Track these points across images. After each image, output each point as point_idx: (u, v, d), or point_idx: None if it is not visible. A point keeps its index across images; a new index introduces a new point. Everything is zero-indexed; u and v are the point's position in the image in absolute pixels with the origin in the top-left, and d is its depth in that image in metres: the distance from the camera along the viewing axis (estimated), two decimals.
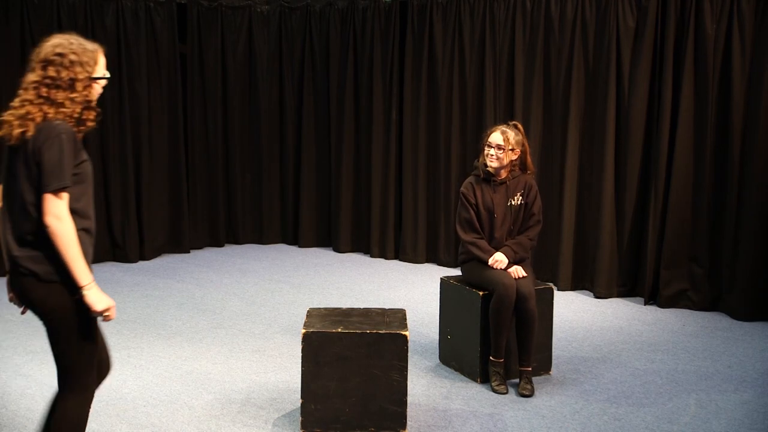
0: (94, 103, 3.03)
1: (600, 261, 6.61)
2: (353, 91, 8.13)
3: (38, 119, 2.90)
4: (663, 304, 6.37)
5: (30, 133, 2.88)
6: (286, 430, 4.06)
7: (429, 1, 7.51)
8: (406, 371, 3.98)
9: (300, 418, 4.01)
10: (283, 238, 8.65)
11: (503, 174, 4.82)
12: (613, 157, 6.58)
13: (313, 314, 4.21)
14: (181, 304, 6.28)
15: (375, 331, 3.96)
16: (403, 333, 3.96)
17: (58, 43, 2.96)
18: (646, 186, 6.50)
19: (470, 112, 7.41)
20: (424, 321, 5.89)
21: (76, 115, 2.96)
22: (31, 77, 2.94)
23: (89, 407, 3.08)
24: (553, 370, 4.94)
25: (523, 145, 4.81)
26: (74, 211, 2.99)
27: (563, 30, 6.77)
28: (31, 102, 2.91)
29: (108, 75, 3.10)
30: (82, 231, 3.04)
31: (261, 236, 8.58)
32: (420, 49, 7.62)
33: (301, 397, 3.99)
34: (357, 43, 8.06)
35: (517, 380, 4.70)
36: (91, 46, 3.02)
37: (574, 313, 6.20)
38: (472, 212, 4.79)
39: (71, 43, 2.97)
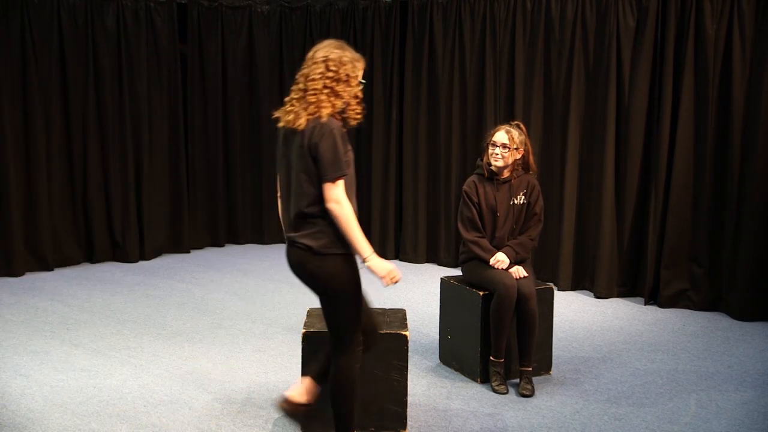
0: (360, 100, 3.52)
1: (600, 261, 6.61)
2: None
3: (324, 107, 3.37)
4: (663, 304, 6.37)
5: (317, 117, 3.34)
6: (286, 430, 4.07)
7: (429, 1, 7.51)
8: (407, 371, 3.98)
9: None
10: (284, 237, 8.63)
11: (506, 173, 4.82)
12: (613, 157, 6.58)
13: (313, 314, 4.22)
14: (182, 304, 6.28)
15: None
16: (403, 333, 3.96)
17: (335, 45, 3.49)
18: (646, 186, 6.51)
19: (470, 112, 7.41)
20: (424, 321, 5.89)
21: (349, 107, 3.49)
22: (316, 70, 3.40)
23: (358, 363, 3.52)
24: (553, 370, 4.95)
25: (525, 144, 4.82)
26: None
27: (563, 30, 6.77)
28: (319, 91, 3.39)
29: (365, 81, 3.59)
30: None
31: (261, 236, 8.58)
32: (420, 49, 7.62)
33: None
34: (357, 43, 8.06)
35: (517, 380, 4.70)
36: (353, 52, 3.56)
37: (574, 313, 6.20)
38: (474, 211, 4.80)
39: (344, 47, 3.51)
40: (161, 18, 7.79)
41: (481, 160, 4.90)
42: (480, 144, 4.98)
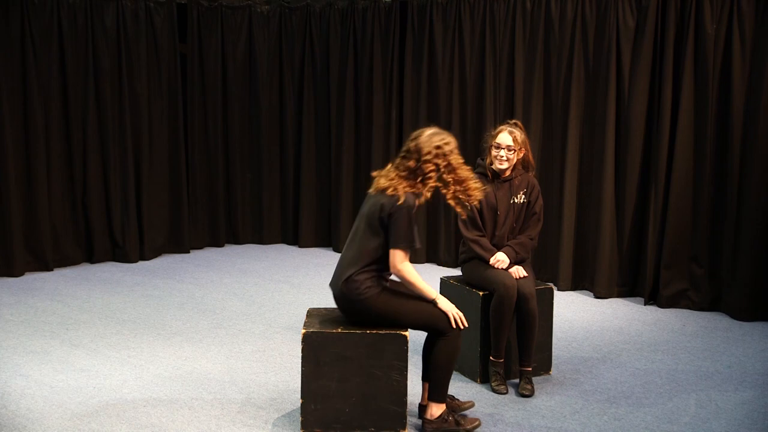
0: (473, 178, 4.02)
1: (600, 261, 6.61)
2: (353, 91, 8.13)
3: (429, 190, 3.92)
4: (663, 304, 6.37)
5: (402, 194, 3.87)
6: (286, 430, 4.07)
7: (429, 1, 7.51)
8: (406, 371, 3.98)
9: (300, 418, 4.01)
10: (283, 238, 8.64)
11: (507, 172, 4.83)
12: (613, 157, 6.58)
13: (313, 314, 4.22)
14: (181, 304, 6.28)
15: (375, 331, 3.96)
16: (403, 333, 3.96)
17: (436, 136, 3.95)
18: (646, 186, 6.50)
19: (470, 112, 7.41)
20: None
21: (468, 187, 3.96)
22: (428, 168, 3.89)
23: (458, 339, 3.99)
24: (553, 370, 4.95)
25: (526, 143, 4.83)
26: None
27: (563, 30, 6.77)
28: (432, 179, 3.91)
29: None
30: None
31: (261, 236, 8.57)
32: (420, 49, 7.62)
33: (301, 397, 3.99)
34: (357, 43, 8.06)
35: (517, 380, 4.70)
36: (447, 134, 4.00)
37: (574, 313, 6.20)
38: (474, 210, 4.80)
39: (443, 133, 3.98)
40: (161, 18, 7.79)
41: (482, 159, 4.90)
42: (480, 144, 4.98)
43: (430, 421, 4.04)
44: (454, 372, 4.88)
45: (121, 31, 7.52)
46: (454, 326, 3.95)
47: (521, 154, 4.81)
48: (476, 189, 4.00)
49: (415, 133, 4.04)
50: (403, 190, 3.88)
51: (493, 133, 4.86)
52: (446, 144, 3.95)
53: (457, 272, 6.39)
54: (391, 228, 3.87)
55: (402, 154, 4.00)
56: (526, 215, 4.87)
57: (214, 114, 8.26)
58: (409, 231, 3.86)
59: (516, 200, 4.83)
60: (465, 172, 3.98)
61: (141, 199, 7.79)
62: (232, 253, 8.19)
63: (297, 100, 8.44)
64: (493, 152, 4.79)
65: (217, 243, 8.41)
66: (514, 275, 4.64)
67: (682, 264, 6.36)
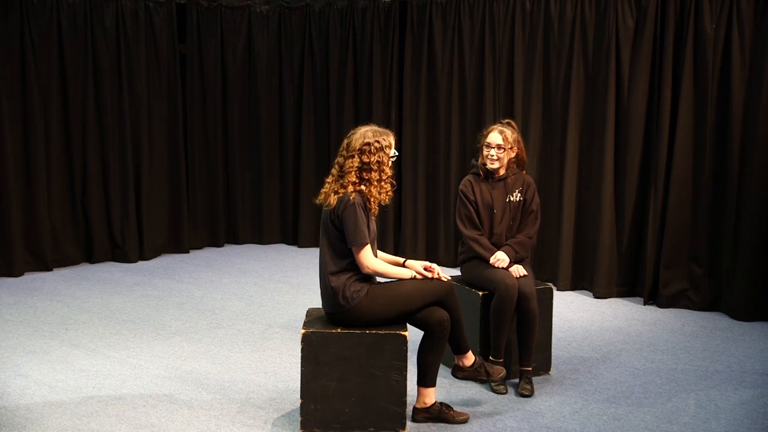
0: (390, 178, 4.04)
1: (600, 261, 6.61)
2: (353, 91, 8.12)
3: (351, 194, 3.94)
4: (663, 304, 6.37)
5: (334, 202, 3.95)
6: (286, 430, 4.07)
7: (429, 1, 7.51)
8: (406, 371, 3.98)
9: (300, 418, 4.01)
10: (283, 238, 8.64)
11: (501, 171, 4.84)
12: (613, 157, 6.58)
13: (312, 314, 4.22)
14: (181, 304, 6.28)
15: (375, 331, 3.96)
16: (403, 333, 3.96)
17: (363, 133, 4.00)
18: (646, 186, 6.51)
19: (470, 112, 7.41)
20: None
21: (382, 188, 3.98)
22: (353, 164, 3.96)
23: (444, 318, 3.99)
24: (553, 370, 4.95)
25: (518, 142, 4.84)
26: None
27: (563, 30, 6.77)
28: (352, 183, 3.97)
29: (397, 153, 4.09)
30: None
31: (261, 236, 8.57)
32: (420, 49, 7.62)
33: (301, 397, 4.00)
34: (357, 43, 8.07)
35: (517, 380, 4.70)
36: (385, 131, 4.04)
37: (573, 313, 6.21)
38: (471, 209, 4.81)
39: (377, 132, 4.01)
40: (160, 18, 7.79)
41: (476, 159, 4.92)
42: (474, 144, 5.00)
43: (419, 410, 4.13)
44: None
45: (120, 31, 7.52)
46: (435, 277, 4.03)
47: (513, 153, 4.82)
48: (387, 191, 4.03)
49: (353, 130, 4.09)
50: (335, 194, 3.98)
51: (484, 132, 4.88)
52: (374, 145, 3.96)
53: (456, 272, 6.39)
54: (343, 230, 3.93)
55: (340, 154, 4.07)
56: (523, 213, 4.88)
57: (214, 114, 8.26)
58: (356, 227, 3.89)
59: (512, 198, 4.84)
60: (386, 172, 4.00)
61: (141, 199, 7.78)
62: (231, 253, 8.19)
63: (297, 100, 8.44)
64: (485, 152, 4.81)
65: (217, 243, 8.41)
66: (513, 274, 4.65)
67: (682, 264, 6.36)
